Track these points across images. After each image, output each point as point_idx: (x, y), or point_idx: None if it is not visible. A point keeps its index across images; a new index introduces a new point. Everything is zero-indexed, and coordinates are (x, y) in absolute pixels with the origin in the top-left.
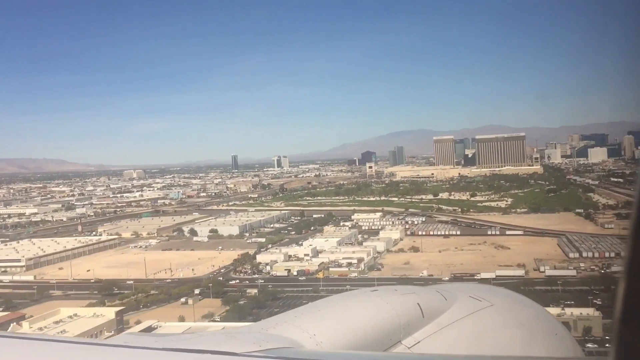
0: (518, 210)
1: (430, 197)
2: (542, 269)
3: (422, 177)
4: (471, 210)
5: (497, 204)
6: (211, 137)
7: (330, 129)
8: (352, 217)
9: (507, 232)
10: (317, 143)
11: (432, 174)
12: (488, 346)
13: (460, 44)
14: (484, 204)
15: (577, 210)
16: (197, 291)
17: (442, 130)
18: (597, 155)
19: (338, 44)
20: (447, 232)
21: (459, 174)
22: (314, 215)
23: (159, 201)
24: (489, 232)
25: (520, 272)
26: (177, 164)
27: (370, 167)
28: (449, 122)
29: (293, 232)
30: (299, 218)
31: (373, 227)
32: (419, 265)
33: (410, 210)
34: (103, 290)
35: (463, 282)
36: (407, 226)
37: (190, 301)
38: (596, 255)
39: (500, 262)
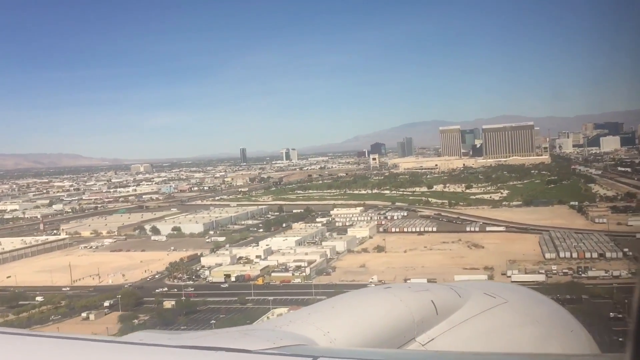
0: (511, 203)
1: (424, 189)
2: (509, 273)
3: (425, 169)
4: (460, 203)
5: (490, 197)
6: (224, 130)
7: (344, 121)
8: (331, 212)
9: (488, 229)
10: (331, 135)
11: (436, 165)
12: (503, 343)
13: (475, 34)
14: (477, 196)
15: (572, 203)
16: (107, 303)
17: (455, 121)
18: (610, 144)
19: (351, 36)
20: (422, 229)
21: (464, 164)
22: (294, 210)
23: (148, 196)
24: (468, 229)
25: (482, 277)
26: (190, 157)
27: (374, 159)
28: (463, 113)
29: (261, 230)
30: (277, 213)
31: (348, 224)
32: (375, 268)
33: (397, 204)
34: (7, 302)
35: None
36: (383, 222)
37: (92, 316)
38: (574, 255)
39: (467, 264)
